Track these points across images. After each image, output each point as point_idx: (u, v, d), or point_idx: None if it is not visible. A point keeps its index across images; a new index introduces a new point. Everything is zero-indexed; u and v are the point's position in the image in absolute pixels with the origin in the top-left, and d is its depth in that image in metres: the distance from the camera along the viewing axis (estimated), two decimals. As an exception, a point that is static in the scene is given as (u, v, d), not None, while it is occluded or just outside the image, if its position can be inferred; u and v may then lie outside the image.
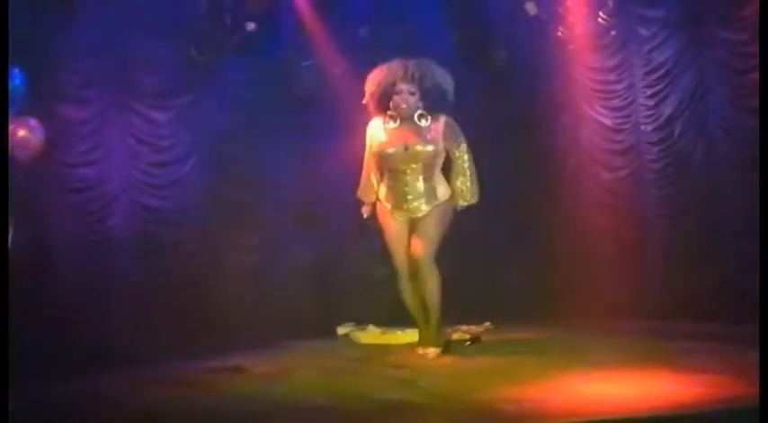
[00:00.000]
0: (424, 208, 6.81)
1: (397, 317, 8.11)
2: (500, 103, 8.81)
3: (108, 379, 6.30)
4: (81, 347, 6.99)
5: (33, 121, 6.96)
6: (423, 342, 6.91)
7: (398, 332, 7.72)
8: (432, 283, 6.70)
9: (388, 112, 6.82)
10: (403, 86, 6.72)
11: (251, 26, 8.28)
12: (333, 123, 8.75)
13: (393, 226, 6.92)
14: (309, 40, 8.64)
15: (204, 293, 8.18)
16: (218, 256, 8.40)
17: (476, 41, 9.02)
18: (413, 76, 6.72)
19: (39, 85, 7.19)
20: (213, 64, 8.31)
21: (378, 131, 6.90)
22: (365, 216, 7.11)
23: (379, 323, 8.06)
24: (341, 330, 8.14)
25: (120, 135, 8.02)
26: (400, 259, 6.91)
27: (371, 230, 8.79)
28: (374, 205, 7.06)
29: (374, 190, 7.03)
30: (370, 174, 7.05)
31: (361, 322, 8.16)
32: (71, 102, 7.76)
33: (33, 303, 7.00)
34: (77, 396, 5.80)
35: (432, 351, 6.77)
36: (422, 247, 6.70)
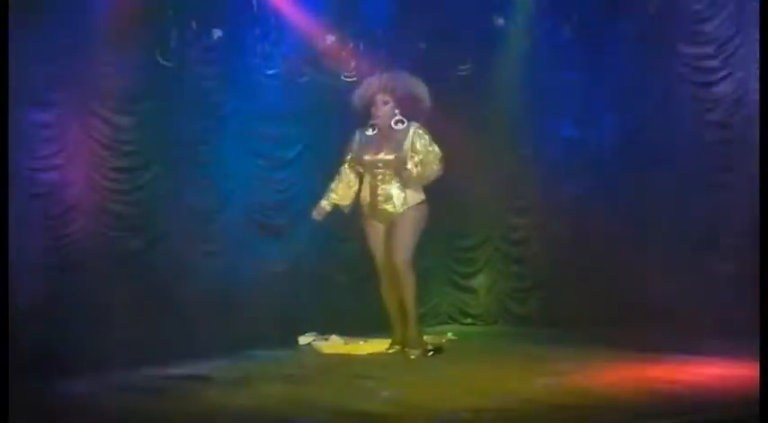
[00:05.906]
0: (393, 210, 7.21)
1: (359, 327, 8.12)
2: (464, 115, 8.81)
3: (69, 385, 6.23)
4: (42, 353, 6.90)
5: None
6: (402, 343, 7.30)
7: (361, 342, 7.74)
8: (407, 285, 7.15)
9: (369, 121, 7.34)
10: (379, 97, 7.27)
11: (218, 33, 8.26)
12: (298, 132, 8.74)
13: (371, 230, 7.36)
14: (275, 50, 8.62)
15: (167, 300, 8.11)
16: (182, 262, 8.32)
17: (442, 53, 9.04)
18: (386, 87, 7.28)
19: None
20: (179, 69, 8.25)
21: (357, 140, 7.41)
22: (316, 217, 7.50)
23: (341, 333, 8.05)
24: (303, 340, 8.07)
25: (83, 139, 7.93)
26: (380, 263, 7.30)
27: (335, 239, 8.83)
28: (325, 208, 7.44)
29: (350, 194, 7.43)
30: (347, 179, 7.44)
31: (324, 332, 8.14)
32: (35, 105, 7.66)
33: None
34: (37, 402, 5.73)
35: (410, 352, 7.15)
36: (397, 252, 7.16)
